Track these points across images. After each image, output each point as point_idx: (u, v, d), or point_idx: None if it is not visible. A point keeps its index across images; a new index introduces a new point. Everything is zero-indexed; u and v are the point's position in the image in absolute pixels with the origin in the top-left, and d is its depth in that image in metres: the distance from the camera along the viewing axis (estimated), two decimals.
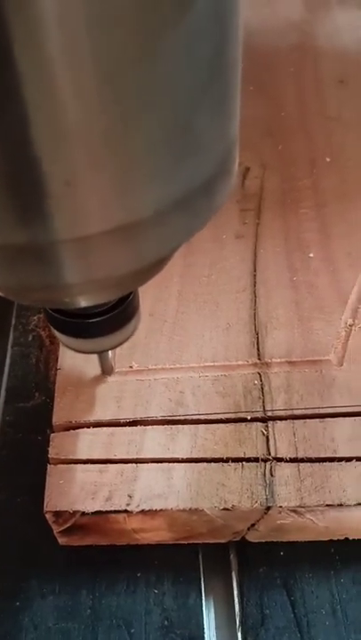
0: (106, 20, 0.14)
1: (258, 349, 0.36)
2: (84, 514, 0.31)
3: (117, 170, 0.17)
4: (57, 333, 0.29)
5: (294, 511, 0.31)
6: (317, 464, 0.32)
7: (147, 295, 0.37)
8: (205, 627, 0.31)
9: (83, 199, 0.17)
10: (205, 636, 0.31)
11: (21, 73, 0.14)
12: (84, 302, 0.24)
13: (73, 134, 0.15)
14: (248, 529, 0.32)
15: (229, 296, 0.39)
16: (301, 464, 0.32)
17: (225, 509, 0.30)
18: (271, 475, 0.31)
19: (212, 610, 0.33)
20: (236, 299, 0.38)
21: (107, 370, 0.34)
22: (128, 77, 0.15)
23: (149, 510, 0.30)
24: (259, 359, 0.36)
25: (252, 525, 0.32)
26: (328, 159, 0.47)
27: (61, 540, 0.33)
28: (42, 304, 0.27)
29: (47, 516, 0.31)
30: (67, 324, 0.28)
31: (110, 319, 0.27)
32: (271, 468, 0.31)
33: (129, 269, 0.20)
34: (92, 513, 0.31)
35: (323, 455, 0.32)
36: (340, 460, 0.32)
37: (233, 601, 0.32)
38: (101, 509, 0.30)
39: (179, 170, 0.18)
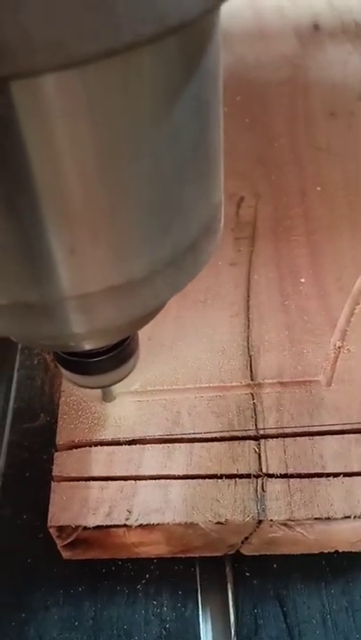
0: (105, 129, 0.17)
1: (251, 371, 0.38)
2: (85, 528, 0.32)
3: (114, 239, 0.19)
4: (63, 370, 0.32)
5: (285, 524, 0.32)
6: (306, 480, 0.33)
7: None
8: (202, 636, 0.33)
9: (85, 263, 0.19)
10: None
11: (34, 167, 0.16)
12: (86, 346, 0.27)
13: (77, 213, 0.18)
14: (242, 542, 0.34)
15: (224, 320, 0.41)
16: (291, 480, 0.33)
17: (219, 523, 0.32)
18: (263, 490, 0.33)
19: (209, 620, 0.34)
20: (230, 323, 0.41)
21: (108, 399, 0.37)
22: (123, 168, 0.18)
23: (147, 524, 0.32)
24: (252, 380, 0.37)
25: (246, 539, 0.33)
26: (319, 188, 0.49)
27: (65, 555, 0.35)
28: (49, 349, 0.30)
29: (51, 530, 0.33)
30: (71, 362, 0.30)
31: (110, 359, 0.30)
32: (263, 483, 0.33)
33: (125, 320, 0.23)
34: (94, 527, 0.32)
35: (312, 471, 0.33)
36: (328, 475, 0.33)
37: (228, 611, 0.34)
38: (102, 524, 0.32)
39: (167, 237, 0.21)
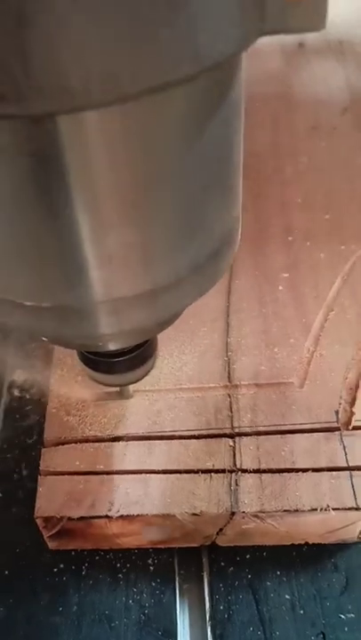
0: (139, 155, 0.19)
1: (228, 373, 0.40)
2: (70, 519, 0.35)
3: (146, 250, 0.22)
4: (88, 370, 0.34)
5: (256, 516, 0.34)
6: (277, 474, 0.35)
7: None
8: (179, 622, 0.35)
9: (120, 271, 0.22)
10: (178, 630, 0.35)
11: (75, 189, 0.19)
12: (114, 346, 0.29)
13: (114, 228, 0.20)
14: (217, 533, 0.36)
15: (205, 325, 0.43)
16: (263, 475, 0.36)
17: (194, 515, 0.34)
18: (236, 484, 0.35)
19: (186, 606, 0.36)
20: (210, 328, 0.43)
21: (126, 396, 0.39)
22: (156, 188, 0.20)
23: (128, 515, 0.34)
24: (229, 382, 0.40)
25: (221, 530, 0.36)
26: (299, 200, 0.52)
27: (51, 545, 0.37)
28: (80, 348, 0.33)
29: (38, 521, 0.35)
30: (96, 362, 0.33)
31: (131, 359, 0.33)
32: (237, 478, 0.35)
33: (150, 323, 0.25)
34: (77, 518, 0.35)
35: (282, 467, 0.36)
36: (297, 470, 0.35)
37: (204, 598, 0.36)
38: (85, 515, 0.34)
39: (192, 246, 0.23)
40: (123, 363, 0.33)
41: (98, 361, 0.33)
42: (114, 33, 0.15)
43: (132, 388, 0.39)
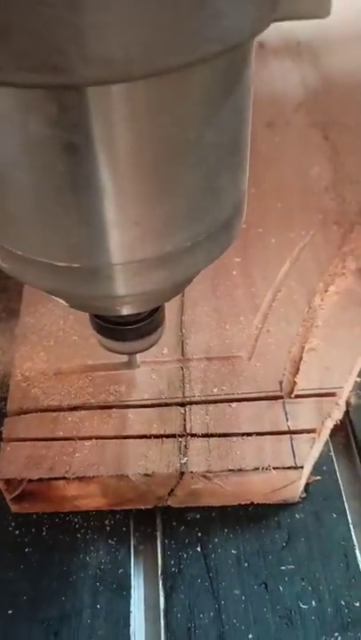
0: (162, 129, 0.22)
1: (182, 348, 0.43)
2: (30, 481, 0.37)
3: (167, 216, 0.25)
4: (102, 339, 0.37)
5: (204, 476, 0.37)
6: (224, 438, 0.38)
7: None
8: (132, 576, 0.38)
9: (144, 234, 0.25)
10: (132, 583, 0.37)
11: (100, 159, 0.21)
12: (131, 310, 0.32)
13: (139, 194, 0.23)
14: (169, 494, 0.39)
15: None
16: (211, 439, 0.38)
17: (146, 475, 0.37)
18: (186, 447, 0.38)
19: (140, 564, 0.39)
20: (167, 306, 0.45)
21: (133, 366, 0.42)
22: (176, 159, 0.23)
23: (84, 477, 0.37)
24: (182, 356, 0.43)
25: (172, 491, 0.38)
26: (253, 190, 0.55)
27: (13, 508, 0.39)
28: (95, 311, 0.35)
29: None
30: (111, 330, 0.36)
31: (142, 327, 0.36)
32: (186, 442, 0.38)
33: (168, 284, 0.28)
34: (37, 480, 0.37)
35: (229, 431, 0.39)
36: (242, 435, 0.38)
37: (157, 556, 0.39)
38: (44, 476, 0.37)
39: (207, 214, 0.26)
40: (134, 330, 0.36)
41: (112, 329, 0.36)
42: (157, 12, 0.17)
43: (139, 358, 0.42)
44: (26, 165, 0.22)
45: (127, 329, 0.36)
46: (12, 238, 0.26)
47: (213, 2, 0.18)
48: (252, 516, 0.40)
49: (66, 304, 0.31)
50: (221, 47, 0.19)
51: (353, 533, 0.39)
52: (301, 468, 0.37)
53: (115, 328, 0.36)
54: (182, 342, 0.43)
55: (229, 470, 0.37)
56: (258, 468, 0.37)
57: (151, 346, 0.38)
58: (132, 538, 0.39)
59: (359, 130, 0.60)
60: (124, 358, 0.42)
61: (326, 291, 0.46)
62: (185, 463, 0.37)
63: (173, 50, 0.18)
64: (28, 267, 0.26)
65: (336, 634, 0.35)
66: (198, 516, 0.40)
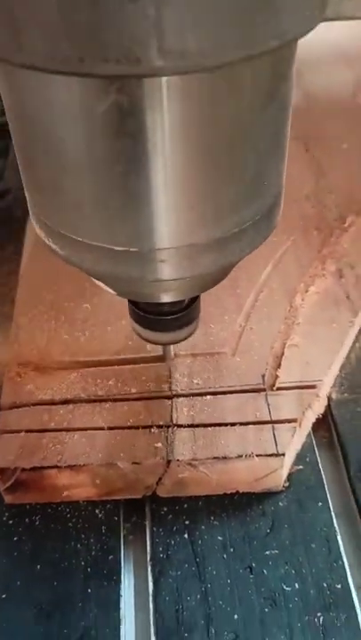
0: (213, 126, 0.24)
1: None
2: (23, 470, 0.39)
3: (218, 202, 0.26)
4: (142, 331, 0.38)
5: (190, 464, 0.39)
6: (209, 429, 0.40)
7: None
8: (122, 562, 0.39)
9: (198, 218, 0.26)
10: (122, 569, 0.39)
11: (162, 148, 0.23)
12: (170, 297, 0.33)
13: (193, 181, 0.25)
14: (157, 483, 0.40)
15: None
16: (196, 429, 0.40)
17: (135, 463, 0.39)
18: (172, 437, 0.40)
19: (130, 550, 0.40)
20: None
21: (168, 357, 0.43)
22: (227, 151, 0.25)
23: (75, 465, 0.39)
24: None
25: (160, 480, 0.40)
26: None
27: (7, 499, 0.41)
28: (142, 298, 0.35)
29: None
30: (152, 321, 0.37)
31: (182, 317, 0.37)
32: (172, 432, 0.40)
33: (210, 270, 0.29)
34: (30, 469, 0.39)
35: (214, 422, 0.40)
36: (226, 425, 0.40)
37: (146, 543, 0.40)
38: (37, 465, 0.38)
39: (253, 202, 0.28)
40: (175, 320, 0.37)
41: (155, 319, 0.37)
42: (228, 10, 0.19)
43: (173, 349, 0.43)
44: (91, 153, 0.24)
45: (168, 319, 0.37)
46: (74, 225, 0.27)
47: (275, 1, 0.20)
48: (238, 504, 0.41)
49: (113, 292, 0.32)
50: (279, 42, 0.21)
51: (334, 520, 0.40)
52: (283, 455, 0.39)
53: (156, 319, 0.37)
54: None
55: (214, 458, 0.39)
56: (241, 456, 0.38)
57: (189, 335, 0.39)
58: (121, 526, 0.41)
59: (338, 143, 0.63)
60: (112, 354, 0.44)
61: (307, 291, 0.48)
62: (172, 451, 0.39)
63: (240, 44, 0.20)
64: (87, 252, 0.27)
65: (319, 614, 0.36)
66: (186, 506, 0.41)
